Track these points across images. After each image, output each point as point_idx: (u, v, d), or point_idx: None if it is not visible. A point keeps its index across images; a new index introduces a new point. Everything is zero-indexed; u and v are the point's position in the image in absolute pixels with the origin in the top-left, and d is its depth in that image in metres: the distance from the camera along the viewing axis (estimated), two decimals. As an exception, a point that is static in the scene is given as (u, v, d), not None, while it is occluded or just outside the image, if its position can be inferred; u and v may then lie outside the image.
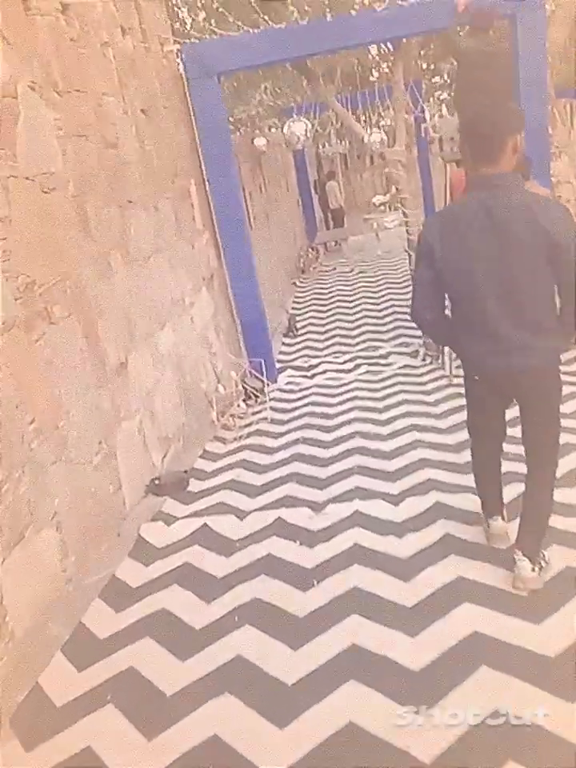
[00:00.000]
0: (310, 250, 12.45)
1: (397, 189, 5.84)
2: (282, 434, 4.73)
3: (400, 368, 6.17)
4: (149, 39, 5.06)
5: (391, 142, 6.06)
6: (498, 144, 2.30)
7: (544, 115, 5.40)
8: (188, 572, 2.94)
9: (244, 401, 5.31)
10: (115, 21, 4.41)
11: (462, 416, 4.63)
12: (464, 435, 4.12)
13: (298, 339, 7.84)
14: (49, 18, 3.48)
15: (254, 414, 5.25)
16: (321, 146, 14.51)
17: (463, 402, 4.97)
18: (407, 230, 5.91)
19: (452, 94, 5.05)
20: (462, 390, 5.30)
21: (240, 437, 4.79)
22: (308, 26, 5.45)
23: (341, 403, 5.34)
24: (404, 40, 5.91)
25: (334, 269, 11.45)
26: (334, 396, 5.60)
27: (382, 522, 3.05)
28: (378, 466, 3.78)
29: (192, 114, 5.60)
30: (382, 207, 11.97)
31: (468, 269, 2.36)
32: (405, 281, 9.48)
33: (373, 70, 20.04)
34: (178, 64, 5.50)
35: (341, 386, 5.88)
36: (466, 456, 3.71)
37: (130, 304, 4.10)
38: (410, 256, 6.03)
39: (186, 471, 4.19)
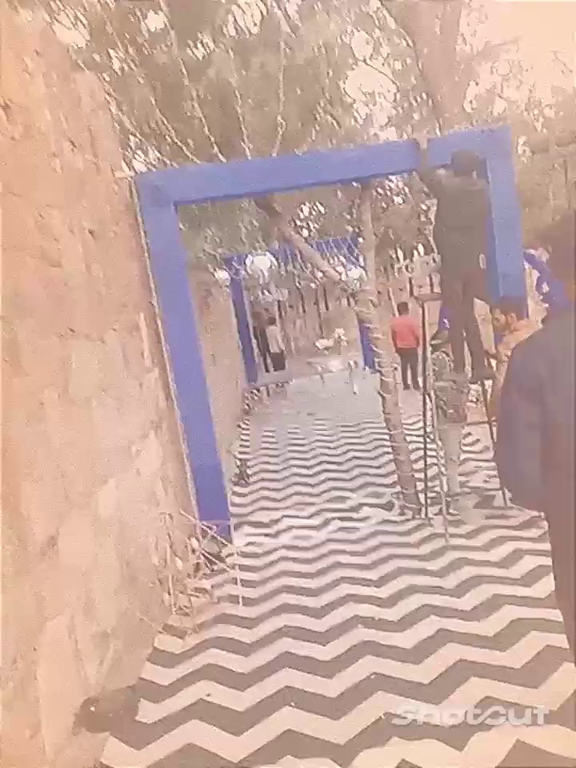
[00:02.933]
0: (253, 392, 11.89)
1: (370, 328, 5.38)
2: (256, 621, 3.66)
3: (378, 524, 5.34)
4: (100, 159, 4.57)
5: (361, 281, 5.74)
6: None
7: (520, 259, 5.20)
8: None
9: (202, 574, 4.22)
10: (64, 133, 3.88)
11: (482, 592, 3.76)
12: (497, 623, 3.24)
13: (251, 488, 6.91)
14: (-14, 108, 2.85)
15: (213, 585, 4.15)
16: (260, 293, 14.56)
17: (473, 571, 4.19)
18: (380, 372, 5.37)
19: (433, 231, 4.72)
20: (465, 555, 4.58)
21: (201, 626, 3.67)
22: (272, 161, 5.18)
23: (321, 573, 4.37)
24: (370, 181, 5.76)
25: (280, 411, 10.83)
26: (309, 562, 4.62)
27: (453, 788, 2.03)
28: (406, 675, 2.78)
29: (144, 242, 5.04)
30: (326, 351, 11.75)
31: None
32: (358, 424, 8.93)
33: (303, 228, 21.26)
34: (130, 191, 5.02)
35: (313, 547, 4.93)
36: (518, 656, 2.81)
37: (66, 456, 3.14)
38: (383, 398, 5.43)
39: (132, 687, 3.01)
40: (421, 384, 5.42)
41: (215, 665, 3.17)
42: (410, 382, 10.42)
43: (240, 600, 3.87)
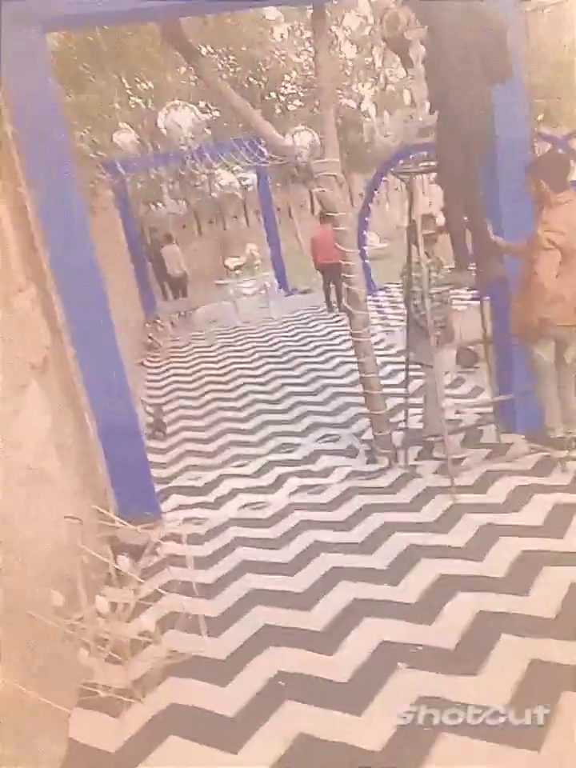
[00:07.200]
0: (156, 323, 10.14)
1: (333, 217, 3.93)
2: (232, 666, 2.32)
3: (348, 478, 4.16)
4: None
5: (319, 151, 4.23)
6: None
7: (524, 119, 3.87)
8: None
9: (135, 601, 2.79)
10: None
11: (552, 580, 2.67)
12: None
13: (171, 442, 5.47)
14: None
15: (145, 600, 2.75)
16: (151, 207, 12.49)
17: (518, 544, 3.03)
18: (348, 280, 3.99)
19: (425, 74, 3.22)
20: (490, 519, 3.37)
21: (144, 683, 2.29)
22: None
23: (300, 563, 3.11)
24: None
25: (190, 344, 9.26)
26: (277, 545, 3.36)
27: None
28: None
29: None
30: (237, 271, 10.15)
31: None
32: (286, 354, 7.63)
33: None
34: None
35: (275, 521, 3.69)
36: None
37: None
38: (351, 315, 4.09)
39: None
40: (346, 305, 4.08)
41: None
42: (334, 302, 9.13)
43: (203, 631, 2.50)
